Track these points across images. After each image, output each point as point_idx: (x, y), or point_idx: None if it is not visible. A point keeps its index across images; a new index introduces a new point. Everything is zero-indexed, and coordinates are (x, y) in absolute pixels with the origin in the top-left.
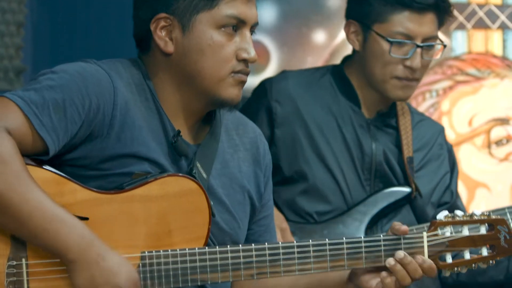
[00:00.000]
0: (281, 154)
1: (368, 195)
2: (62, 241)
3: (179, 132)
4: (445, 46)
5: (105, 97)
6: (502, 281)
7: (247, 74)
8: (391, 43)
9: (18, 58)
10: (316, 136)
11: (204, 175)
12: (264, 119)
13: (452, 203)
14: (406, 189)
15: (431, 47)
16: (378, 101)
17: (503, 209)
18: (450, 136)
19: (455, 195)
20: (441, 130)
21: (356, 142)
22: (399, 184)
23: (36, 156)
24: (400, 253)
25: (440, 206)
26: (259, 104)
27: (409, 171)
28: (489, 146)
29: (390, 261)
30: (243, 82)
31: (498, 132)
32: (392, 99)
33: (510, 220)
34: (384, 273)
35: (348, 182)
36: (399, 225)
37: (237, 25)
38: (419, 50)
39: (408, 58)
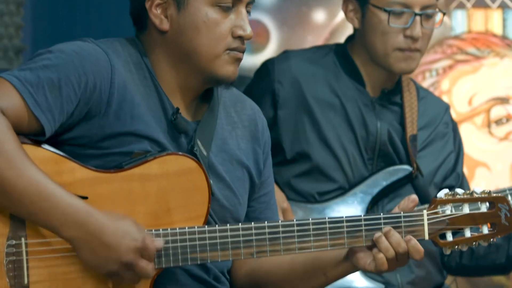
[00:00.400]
0: (284, 135)
1: (369, 174)
2: (58, 218)
3: (178, 109)
4: (444, 13)
5: (103, 75)
6: (504, 264)
7: (243, 51)
8: (389, 12)
9: (17, 37)
10: (319, 117)
11: (204, 152)
12: (267, 101)
13: (458, 186)
14: (407, 168)
15: (430, 16)
16: (382, 79)
17: (504, 190)
18: None
19: (461, 178)
20: (447, 108)
21: (361, 122)
22: (401, 164)
23: (33, 136)
24: (386, 228)
25: (444, 188)
26: (262, 85)
27: (411, 150)
28: (489, 125)
29: (376, 234)
30: (239, 60)
31: (498, 111)
32: (396, 72)
33: (509, 197)
34: (376, 249)
35: (351, 162)
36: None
37: (233, 2)
38: (418, 18)
39: (408, 27)
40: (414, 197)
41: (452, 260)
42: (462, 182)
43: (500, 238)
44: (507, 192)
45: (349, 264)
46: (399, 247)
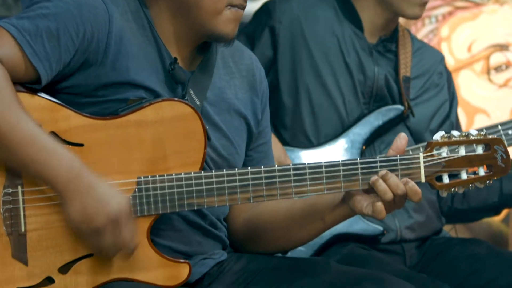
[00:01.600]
0: (282, 77)
1: (362, 115)
2: (52, 171)
3: (176, 59)
4: None
5: (100, 25)
6: (496, 204)
7: (243, 8)
8: None
9: None
10: (318, 58)
11: (198, 102)
12: (267, 40)
13: None
14: (399, 107)
15: None
16: (381, 26)
17: (496, 125)
18: (450, 62)
19: (455, 126)
20: (441, 58)
21: (359, 66)
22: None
23: (29, 84)
24: (383, 171)
25: None
26: (262, 25)
27: (403, 89)
28: (488, 72)
29: (373, 178)
30: (239, 18)
31: (497, 58)
32: (407, 17)
33: (502, 136)
34: (374, 193)
35: (346, 105)
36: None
37: None
38: None
39: None
40: (403, 134)
41: (444, 204)
42: (457, 130)
43: None
44: (499, 127)
45: (346, 207)
46: (397, 189)
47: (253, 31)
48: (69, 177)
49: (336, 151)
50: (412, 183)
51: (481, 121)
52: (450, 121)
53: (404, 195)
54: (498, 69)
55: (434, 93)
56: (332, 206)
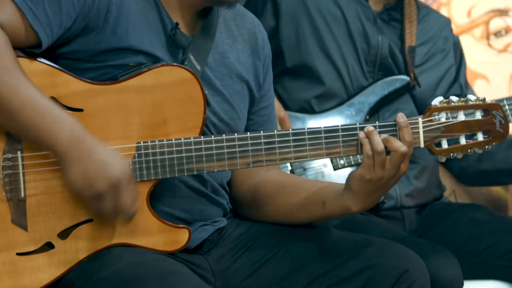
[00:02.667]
0: (285, 45)
1: (367, 84)
2: (53, 135)
3: (177, 24)
4: None
5: None
6: None
7: None
8: None
9: None
10: (321, 27)
11: (198, 67)
12: (269, 9)
13: (463, 96)
14: (405, 78)
15: None
16: None
17: (501, 100)
18: None
19: (464, 87)
20: (447, 23)
21: (362, 34)
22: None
23: (28, 49)
24: (369, 127)
25: None
26: None
27: (409, 60)
28: (488, 37)
29: (360, 134)
30: None
31: (497, 23)
32: None
33: (508, 111)
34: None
35: (350, 74)
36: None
37: None
38: None
39: None
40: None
41: (470, 166)
42: (466, 91)
43: None
44: (505, 102)
45: (346, 198)
46: (377, 146)
47: (255, 0)
48: (71, 142)
49: (340, 119)
50: (392, 139)
51: (480, 86)
52: (458, 83)
53: (383, 151)
54: (497, 34)
55: (439, 59)
56: (334, 194)
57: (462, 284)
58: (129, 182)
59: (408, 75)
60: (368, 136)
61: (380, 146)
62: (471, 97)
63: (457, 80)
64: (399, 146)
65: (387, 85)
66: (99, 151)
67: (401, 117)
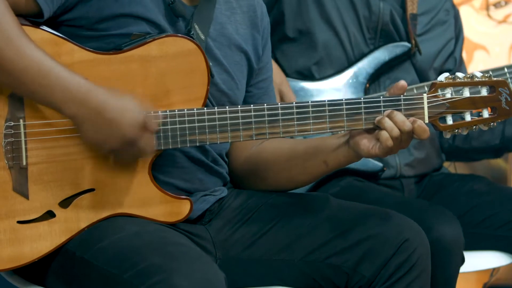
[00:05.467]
0: (286, 12)
1: (368, 51)
2: (60, 95)
3: None
4: None
5: None
6: (497, 146)
7: None
8: None
9: None
10: None
11: (202, 37)
12: None
13: (455, 70)
14: (406, 44)
15: None
16: None
17: (502, 68)
18: None
19: (458, 62)
20: None
21: (364, 1)
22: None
23: (30, 18)
24: (388, 110)
25: (443, 72)
26: None
27: (411, 27)
28: (487, 8)
29: (378, 117)
30: None
31: None
32: None
33: (509, 79)
34: (379, 130)
35: (351, 41)
36: (398, 83)
37: None
38: None
39: None
40: (403, 83)
41: (444, 141)
42: (460, 67)
43: None
44: (506, 70)
45: (350, 150)
46: (404, 126)
47: None
48: (79, 100)
49: (340, 85)
50: (420, 122)
51: (480, 57)
52: (453, 57)
53: (410, 131)
54: (497, 5)
55: (440, 31)
56: (335, 150)
57: (463, 243)
58: (143, 130)
59: (409, 42)
60: (391, 117)
61: (407, 125)
62: (477, 73)
63: (452, 54)
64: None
65: (388, 51)
66: (108, 107)
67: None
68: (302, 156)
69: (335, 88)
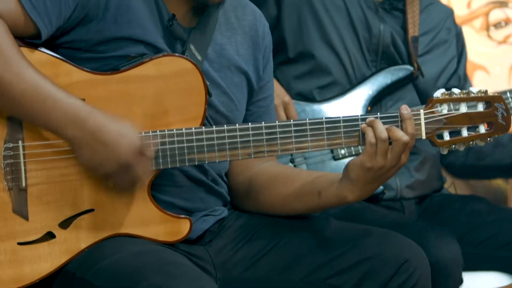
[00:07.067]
0: (287, 35)
1: (371, 74)
2: (58, 118)
3: (174, 15)
4: None
5: None
6: (510, 164)
7: None
8: None
9: None
10: (323, 16)
11: (199, 57)
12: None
13: (461, 88)
14: (408, 68)
15: None
16: None
17: (504, 92)
18: None
19: (462, 79)
20: (450, 13)
21: (364, 23)
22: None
23: (29, 39)
24: (370, 118)
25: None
26: None
27: (413, 50)
28: (487, 28)
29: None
30: None
31: (496, 15)
32: None
33: (511, 103)
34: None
35: (352, 63)
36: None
37: None
38: None
39: None
40: (405, 107)
41: (457, 159)
42: (465, 84)
43: (509, 137)
44: (508, 95)
45: (342, 186)
46: (381, 134)
47: None
48: (77, 123)
49: (342, 108)
50: (394, 128)
51: (480, 78)
52: (457, 75)
53: (386, 140)
54: (497, 25)
55: (442, 50)
56: (330, 182)
57: (462, 264)
58: (139, 155)
59: (411, 65)
60: (371, 124)
61: (384, 133)
62: (473, 89)
63: (456, 72)
64: (401, 135)
65: (390, 74)
66: (105, 130)
67: (404, 109)
68: (299, 184)
69: (337, 110)
